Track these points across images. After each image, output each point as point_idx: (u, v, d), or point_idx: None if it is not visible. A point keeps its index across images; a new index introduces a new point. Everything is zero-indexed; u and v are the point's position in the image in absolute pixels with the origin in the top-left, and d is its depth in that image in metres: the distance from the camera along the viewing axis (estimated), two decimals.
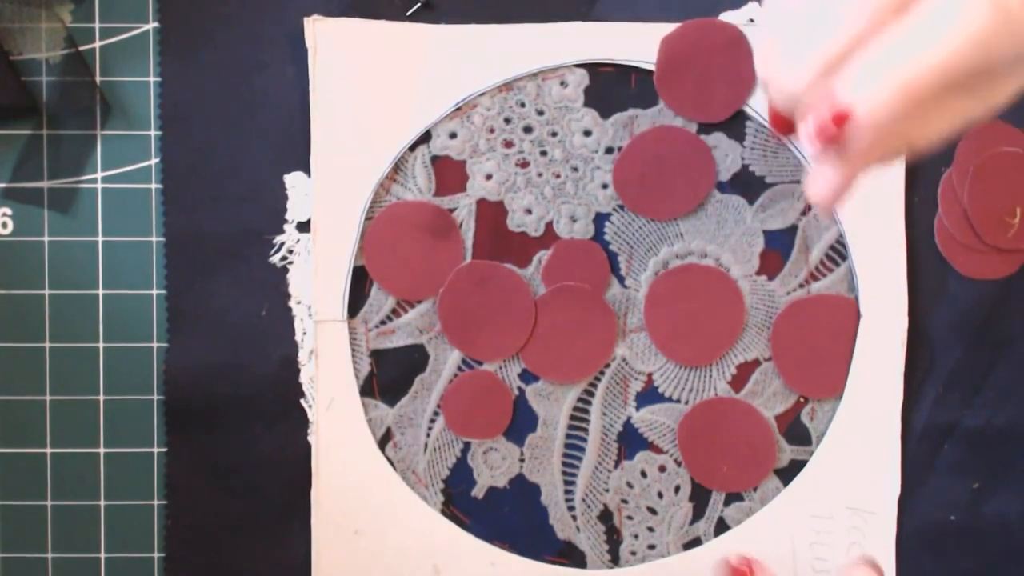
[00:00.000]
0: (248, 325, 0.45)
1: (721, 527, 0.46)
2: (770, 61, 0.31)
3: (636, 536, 0.46)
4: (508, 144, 0.45)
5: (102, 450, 0.46)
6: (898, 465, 0.45)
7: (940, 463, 0.45)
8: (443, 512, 0.46)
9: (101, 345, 0.46)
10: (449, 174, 0.45)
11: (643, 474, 0.46)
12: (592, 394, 0.46)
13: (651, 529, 0.46)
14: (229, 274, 0.45)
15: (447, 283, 0.45)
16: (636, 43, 0.44)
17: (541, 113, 0.45)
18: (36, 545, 0.46)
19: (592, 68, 0.45)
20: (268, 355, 0.45)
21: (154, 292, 0.45)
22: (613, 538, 0.46)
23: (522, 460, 0.46)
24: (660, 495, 0.46)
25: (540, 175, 0.45)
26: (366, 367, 0.45)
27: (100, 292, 0.46)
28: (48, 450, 0.46)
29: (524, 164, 0.45)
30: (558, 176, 0.45)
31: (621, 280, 0.46)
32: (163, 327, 0.45)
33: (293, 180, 0.45)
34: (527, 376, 0.45)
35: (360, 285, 0.45)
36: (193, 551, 0.45)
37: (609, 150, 0.45)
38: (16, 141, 0.45)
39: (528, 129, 0.45)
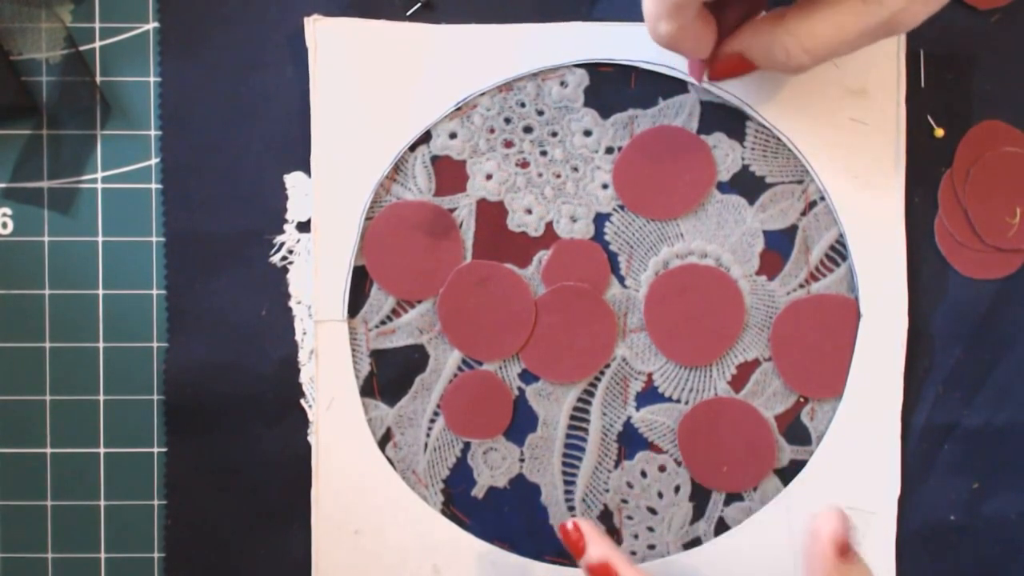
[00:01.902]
0: (248, 325, 0.45)
1: (721, 527, 0.46)
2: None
3: (636, 536, 0.46)
4: (508, 144, 0.45)
5: (102, 450, 0.46)
6: (898, 465, 0.45)
7: (940, 463, 0.45)
8: (443, 512, 0.46)
9: (101, 345, 0.46)
10: (449, 174, 0.45)
11: (643, 474, 0.46)
12: (592, 394, 0.46)
13: (651, 529, 0.46)
14: (229, 274, 0.45)
15: (447, 283, 0.45)
16: (636, 43, 0.44)
17: (541, 113, 0.45)
18: (36, 545, 0.46)
19: (592, 68, 0.45)
20: (268, 355, 0.45)
21: (154, 292, 0.45)
22: (613, 538, 0.46)
23: (522, 460, 0.46)
24: (660, 495, 0.46)
25: (540, 175, 0.45)
26: (366, 367, 0.45)
27: (100, 292, 0.46)
28: (48, 450, 0.46)
29: (524, 164, 0.45)
30: (558, 176, 0.45)
31: (621, 280, 0.46)
32: (163, 327, 0.45)
33: (293, 180, 0.45)
34: (527, 376, 0.45)
35: (360, 285, 0.45)
36: (193, 551, 0.45)
37: (609, 150, 0.45)
38: (16, 141, 0.45)
39: (528, 129, 0.45)
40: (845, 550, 0.37)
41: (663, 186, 0.45)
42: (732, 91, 0.44)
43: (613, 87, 0.45)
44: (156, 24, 0.45)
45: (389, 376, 0.45)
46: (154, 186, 0.45)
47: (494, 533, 0.46)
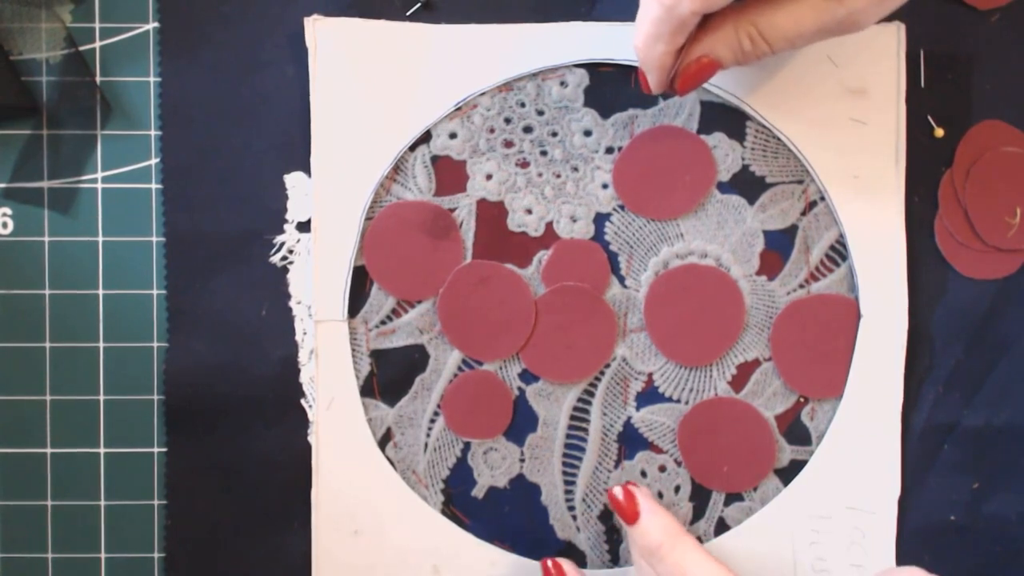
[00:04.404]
0: (248, 325, 0.45)
1: (721, 527, 0.46)
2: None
3: None
4: (508, 144, 0.45)
5: (102, 450, 0.46)
6: (898, 465, 0.45)
7: (940, 463, 0.45)
8: (443, 512, 0.46)
9: (101, 345, 0.46)
10: (449, 174, 0.45)
11: (643, 474, 0.46)
12: (592, 394, 0.46)
13: None
14: (229, 274, 0.45)
15: (447, 283, 0.45)
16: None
17: (541, 113, 0.45)
18: (36, 545, 0.46)
19: (592, 68, 0.45)
20: (268, 355, 0.45)
21: (154, 292, 0.46)
22: (613, 538, 0.46)
23: (522, 460, 0.46)
24: (660, 495, 0.46)
25: (540, 175, 0.45)
26: (366, 367, 0.45)
27: (100, 292, 0.46)
28: (48, 450, 0.46)
29: (524, 164, 0.45)
30: (558, 176, 0.45)
31: (621, 280, 0.46)
32: (163, 327, 0.45)
33: (293, 180, 0.45)
34: (527, 376, 0.45)
35: (360, 285, 0.45)
36: (193, 551, 0.45)
37: (609, 150, 0.45)
38: (16, 141, 0.45)
39: (528, 129, 0.45)
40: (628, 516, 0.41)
41: (663, 186, 0.45)
42: (732, 91, 0.44)
43: (613, 87, 0.45)
44: (156, 24, 0.45)
45: (389, 376, 0.45)
46: (154, 186, 0.45)
47: (494, 533, 0.46)
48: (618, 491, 0.42)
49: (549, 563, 0.43)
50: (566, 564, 0.43)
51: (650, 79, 0.41)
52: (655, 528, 0.40)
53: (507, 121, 0.45)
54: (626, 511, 0.41)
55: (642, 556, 0.41)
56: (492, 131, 0.45)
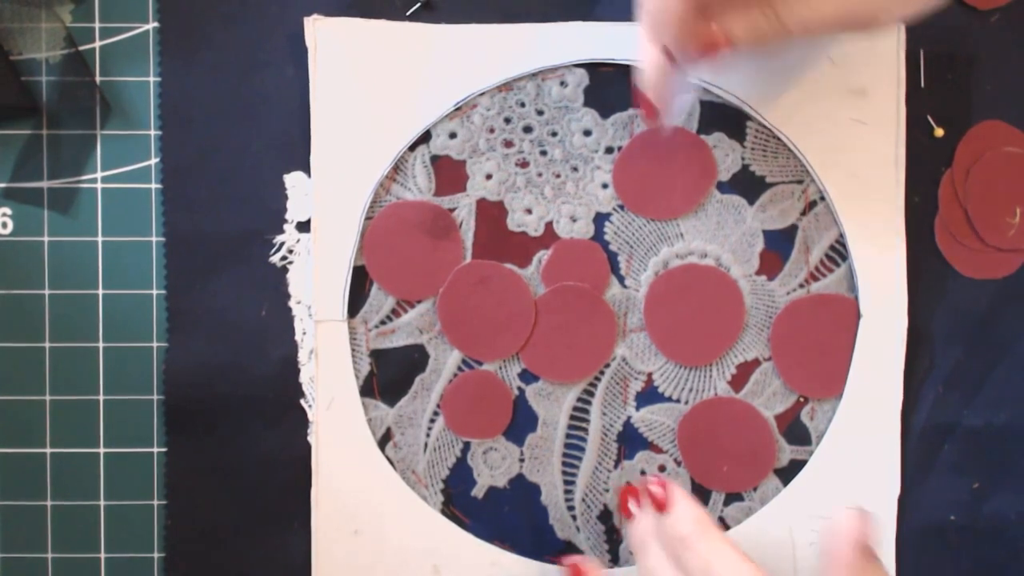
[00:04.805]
0: (248, 325, 0.45)
1: (721, 527, 0.46)
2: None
3: None
4: (508, 144, 0.45)
5: (102, 450, 0.46)
6: (898, 465, 0.45)
7: (940, 463, 0.45)
8: (443, 512, 0.46)
9: (101, 345, 0.46)
10: (449, 174, 0.45)
11: (643, 474, 0.46)
12: (592, 394, 0.46)
13: None
14: (229, 274, 0.45)
15: (447, 283, 0.45)
16: (636, 43, 0.44)
17: (541, 113, 0.45)
18: (36, 545, 0.46)
19: (592, 68, 0.45)
20: (268, 355, 0.45)
21: (154, 292, 0.46)
22: (613, 538, 0.46)
23: (522, 460, 0.46)
24: None
25: (540, 175, 0.45)
26: (366, 367, 0.45)
27: (100, 292, 0.46)
28: (48, 450, 0.46)
29: (524, 164, 0.45)
30: (558, 176, 0.45)
31: (621, 280, 0.46)
32: (163, 327, 0.45)
33: (293, 180, 0.45)
34: (527, 376, 0.45)
35: (360, 285, 0.45)
36: (193, 551, 0.45)
37: (609, 150, 0.45)
38: (16, 141, 0.45)
39: (528, 129, 0.45)
40: (866, 552, 0.37)
41: (663, 186, 0.45)
42: (732, 91, 0.44)
43: (613, 87, 0.45)
44: (156, 24, 0.45)
45: (389, 376, 0.45)
46: (154, 186, 0.45)
47: (494, 533, 0.46)
48: (651, 480, 0.41)
49: (567, 563, 0.42)
50: (589, 563, 0.42)
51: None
52: (687, 517, 0.40)
53: (507, 121, 0.45)
54: (660, 500, 0.40)
55: (669, 545, 0.40)
56: (492, 131, 0.45)
